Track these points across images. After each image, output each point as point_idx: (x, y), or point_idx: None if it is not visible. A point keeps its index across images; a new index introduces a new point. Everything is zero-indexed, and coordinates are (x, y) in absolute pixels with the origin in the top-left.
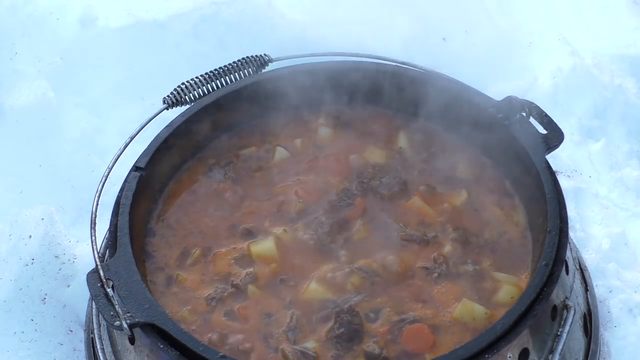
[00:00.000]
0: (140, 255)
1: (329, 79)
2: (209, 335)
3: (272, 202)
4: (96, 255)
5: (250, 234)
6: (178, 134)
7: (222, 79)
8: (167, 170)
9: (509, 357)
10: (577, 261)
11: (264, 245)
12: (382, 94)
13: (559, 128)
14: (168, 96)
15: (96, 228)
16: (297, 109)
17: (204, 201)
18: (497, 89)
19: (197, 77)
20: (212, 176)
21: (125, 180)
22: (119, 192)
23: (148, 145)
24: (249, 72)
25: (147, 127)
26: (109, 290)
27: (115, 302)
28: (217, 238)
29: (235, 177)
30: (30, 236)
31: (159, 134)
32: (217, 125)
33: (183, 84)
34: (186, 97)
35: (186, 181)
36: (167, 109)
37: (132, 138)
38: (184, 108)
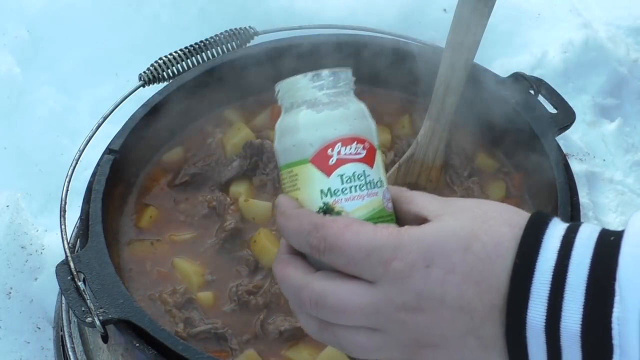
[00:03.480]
0: (115, 245)
1: (324, 53)
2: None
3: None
4: (66, 246)
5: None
6: (155, 114)
7: (204, 53)
8: (143, 153)
9: None
10: None
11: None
12: (382, 73)
13: (570, 107)
14: (144, 72)
15: (66, 216)
16: None
17: (184, 186)
18: (502, 64)
19: (176, 52)
20: (193, 161)
21: (98, 164)
22: (91, 177)
23: (122, 126)
24: (232, 46)
25: (122, 107)
26: (80, 283)
27: (87, 297)
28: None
29: (215, 164)
30: None
31: (134, 114)
32: (198, 104)
33: (161, 59)
34: (164, 73)
35: (165, 165)
36: (143, 86)
37: (105, 118)
38: (161, 85)
